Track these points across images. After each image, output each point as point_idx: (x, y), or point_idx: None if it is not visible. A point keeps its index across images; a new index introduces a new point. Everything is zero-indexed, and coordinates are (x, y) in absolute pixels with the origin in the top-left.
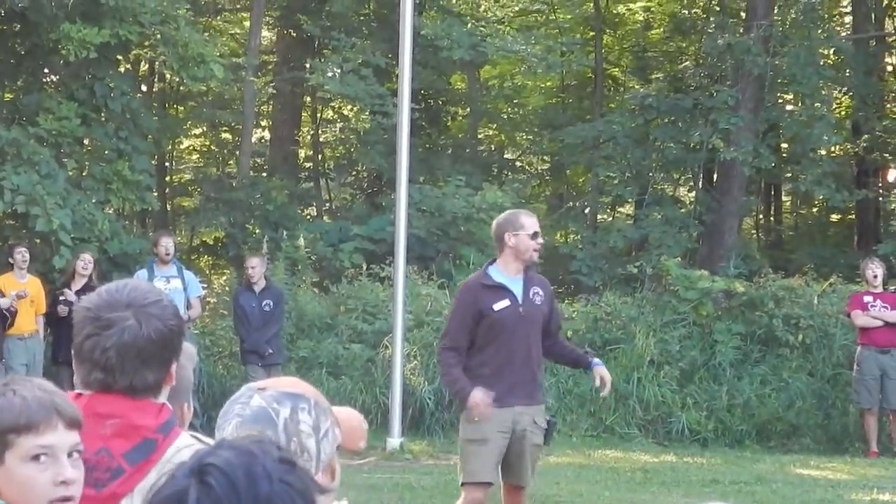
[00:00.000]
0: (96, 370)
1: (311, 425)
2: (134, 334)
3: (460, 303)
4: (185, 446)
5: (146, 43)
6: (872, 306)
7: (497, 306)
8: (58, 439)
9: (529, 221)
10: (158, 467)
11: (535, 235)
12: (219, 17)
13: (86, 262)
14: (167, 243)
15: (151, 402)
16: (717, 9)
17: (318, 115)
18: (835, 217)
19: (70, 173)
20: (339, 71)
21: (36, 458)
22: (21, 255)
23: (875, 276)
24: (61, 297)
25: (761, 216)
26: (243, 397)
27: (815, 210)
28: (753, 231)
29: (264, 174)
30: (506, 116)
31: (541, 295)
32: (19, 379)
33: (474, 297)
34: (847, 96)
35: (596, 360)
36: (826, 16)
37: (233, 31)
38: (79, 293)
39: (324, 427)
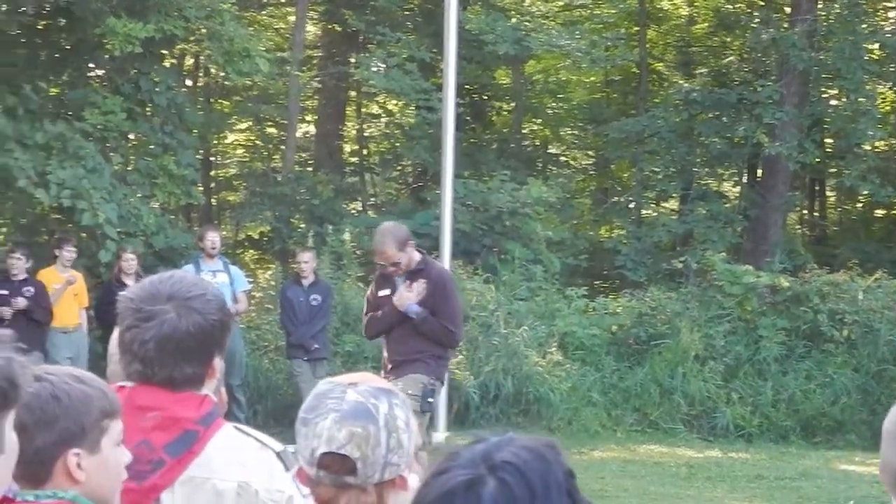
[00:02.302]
0: (136, 362)
1: (404, 420)
2: (173, 327)
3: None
4: (227, 437)
5: (191, 37)
6: None
7: (381, 293)
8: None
9: (380, 256)
10: (200, 459)
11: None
12: (264, 12)
13: (129, 261)
14: (213, 238)
15: (192, 394)
16: (762, 3)
17: (363, 109)
18: (879, 212)
19: (116, 168)
20: (383, 66)
21: (119, 443)
22: (69, 252)
23: None
24: (120, 294)
25: (805, 211)
26: (334, 392)
27: (859, 205)
28: (798, 226)
29: (309, 169)
30: (550, 111)
31: (423, 286)
32: (56, 369)
33: (374, 284)
34: (892, 91)
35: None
36: (870, 10)
37: (277, 26)
38: None
39: (411, 423)
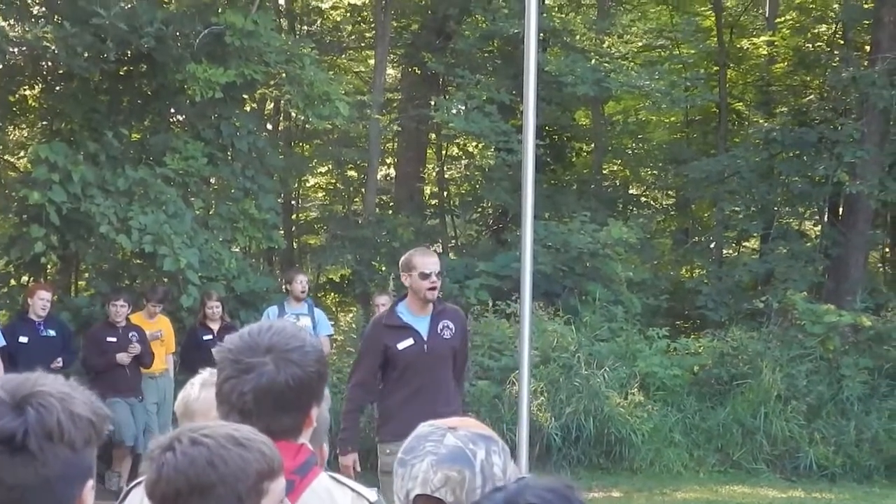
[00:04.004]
0: (234, 413)
1: (501, 468)
2: (271, 379)
3: (367, 339)
4: (322, 487)
5: (271, 82)
6: None
7: (401, 345)
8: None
9: (421, 261)
10: None
11: (424, 276)
12: (343, 56)
13: (213, 308)
14: (303, 281)
15: (289, 444)
16: (842, 42)
17: (443, 151)
18: None
19: (197, 212)
20: (463, 108)
21: (281, 500)
22: (155, 307)
23: None
24: (205, 338)
25: (888, 250)
26: (434, 435)
27: None
28: (880, 265)
29: (390, 211)
30: (630, 152)
31: (451, 328)
32: (213, 430)
33: (379, 336)
34: None
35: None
36: None
37: (357, 70)
38: (219, 334)
39: (509, 470)
